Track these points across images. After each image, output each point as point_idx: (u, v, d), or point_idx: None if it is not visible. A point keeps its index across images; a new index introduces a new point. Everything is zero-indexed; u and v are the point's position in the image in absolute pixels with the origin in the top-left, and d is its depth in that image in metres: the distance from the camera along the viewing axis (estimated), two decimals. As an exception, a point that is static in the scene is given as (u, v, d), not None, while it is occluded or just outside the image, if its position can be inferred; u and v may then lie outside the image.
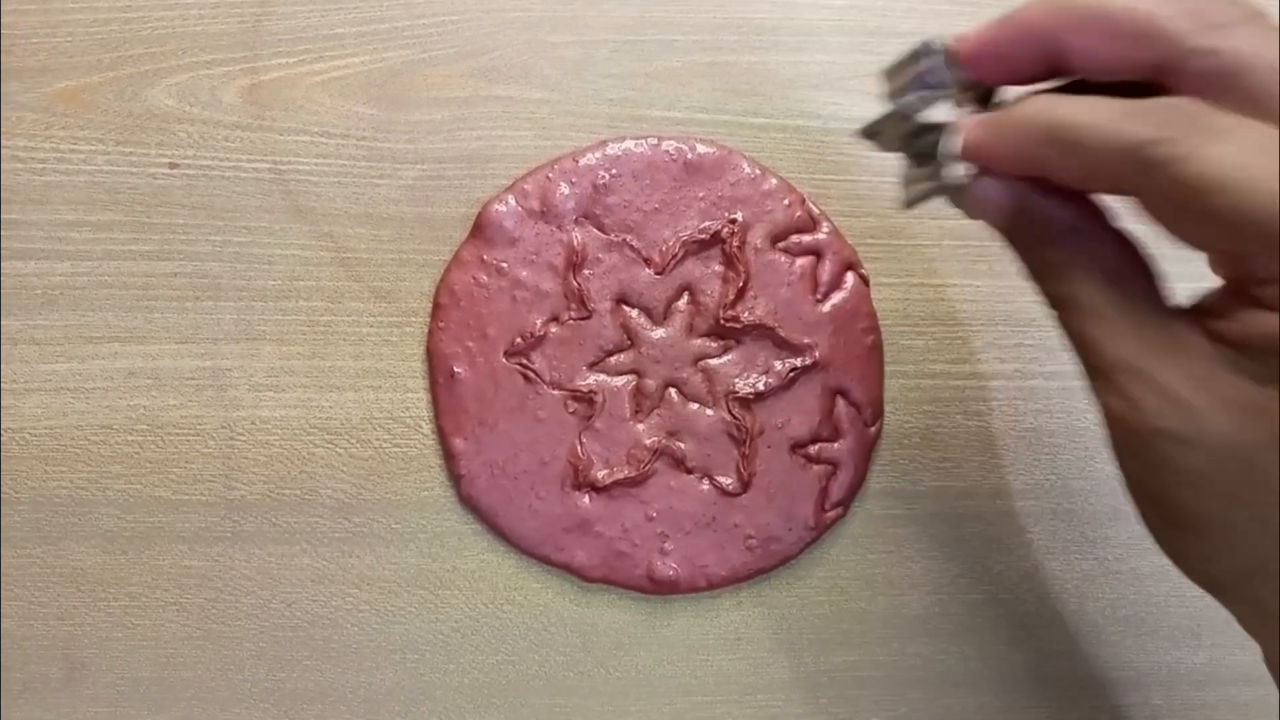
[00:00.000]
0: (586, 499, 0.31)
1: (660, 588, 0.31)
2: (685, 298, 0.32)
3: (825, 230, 0.32)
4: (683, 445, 0.31)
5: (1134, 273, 0.22)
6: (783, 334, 0.32)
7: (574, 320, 0.31)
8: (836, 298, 0.32)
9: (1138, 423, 0.21)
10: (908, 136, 0.24)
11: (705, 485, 0.31)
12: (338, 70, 0.32)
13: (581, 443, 0.31)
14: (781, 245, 0.32)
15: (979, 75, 0.23)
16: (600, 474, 0.31)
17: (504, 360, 0.31)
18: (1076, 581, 0.33)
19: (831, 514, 0.32)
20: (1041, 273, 0.23)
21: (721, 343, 0.32)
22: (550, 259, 0.31)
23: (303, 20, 0.32)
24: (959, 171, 0.23)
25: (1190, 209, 0.19)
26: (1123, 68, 0.21)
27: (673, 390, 0.32)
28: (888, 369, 0.32)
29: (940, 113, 0.23)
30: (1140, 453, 0.21)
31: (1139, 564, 0.33)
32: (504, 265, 0.31)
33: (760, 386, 0.31)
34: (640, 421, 0.31)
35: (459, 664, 0.31)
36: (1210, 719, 0.33)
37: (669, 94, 0.33)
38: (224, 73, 0.32)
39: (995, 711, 0.32)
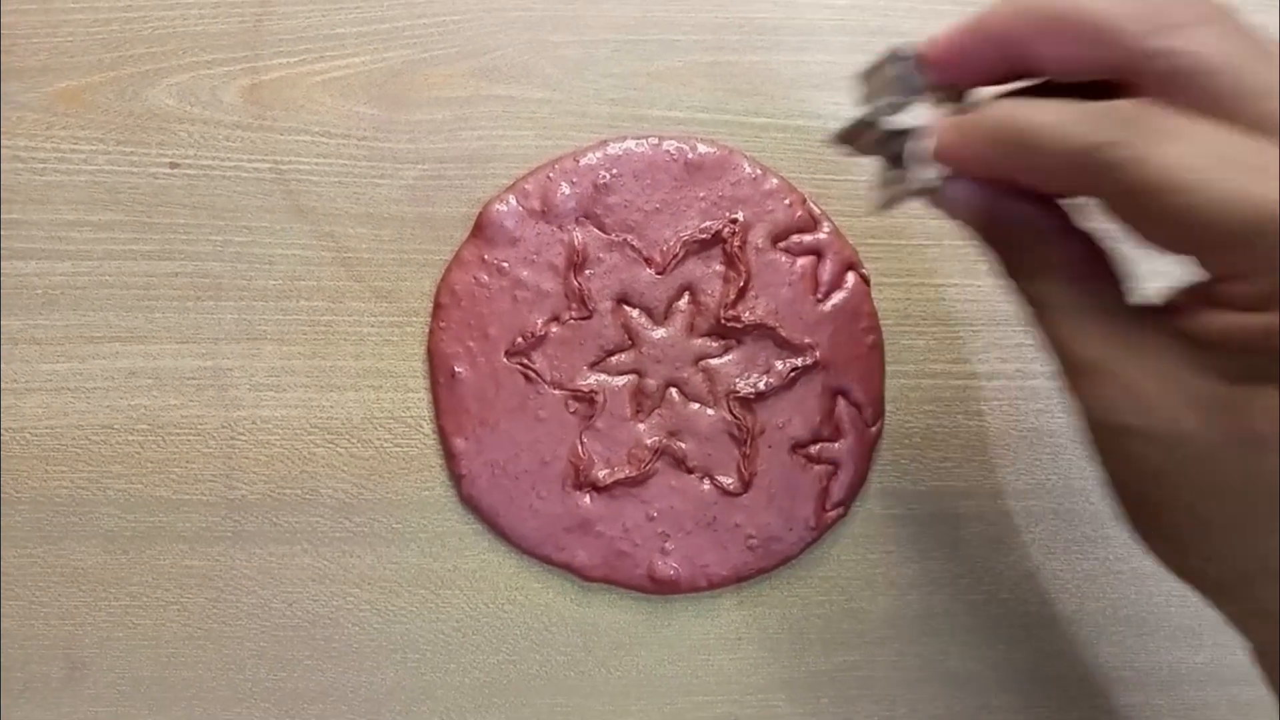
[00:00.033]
0: (587, 499, 0.31)
1: (661, 587, 0.31)
2: (686, 297, 0.32)
3: (826, 230, 0.32)
4: (684, 445, 0.31)
5: (1102, 273, 0.22)
6: (783, 334, 0.32)
7: (575, 320, 0.31)
8: (837, 297, 0.32)
9: (1107, 420, 0.21)
10: (881, 140, 0.24)
11: (706, 485, 0.31)
12: (338, 70, 0.32)
13: (582, 442, 0.31)
14: (782, 245, 0.32)
15: (948, 79, 0.24)
16: (601, 474, 0.31)
17: (505, 360, 0.31)
18: (1077, 581, 0.33)
19: (832, 514, 0.32)
20: (1013, 273, 0.23)
21: (722, 342, 0.32)
22: (551, 259, 0.31)
23: (303, 20, 0.32)
24: (931, 174, 0.23)
25: (1145, 210, 0.19)
26: (1084, 69, 0.22)
27: (674, 390, 0.32)
28: (889, 369, 0.32)
29: (911, 117, 0.24)
30: (1111, 450, 0.22)
31: (1139, 564, 0.33)
32: (505, 265, 0.31)
33: (761, 386, 0.31)
34: (641, 421, 0.32)
35: (460, 664, 0.31)
36: (1211, 719, 0.33)
37: (670, 94, 0.33)
38: (225, 72, 0.32)
39: (996, 711, 0.32)
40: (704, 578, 0.31)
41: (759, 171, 0.32)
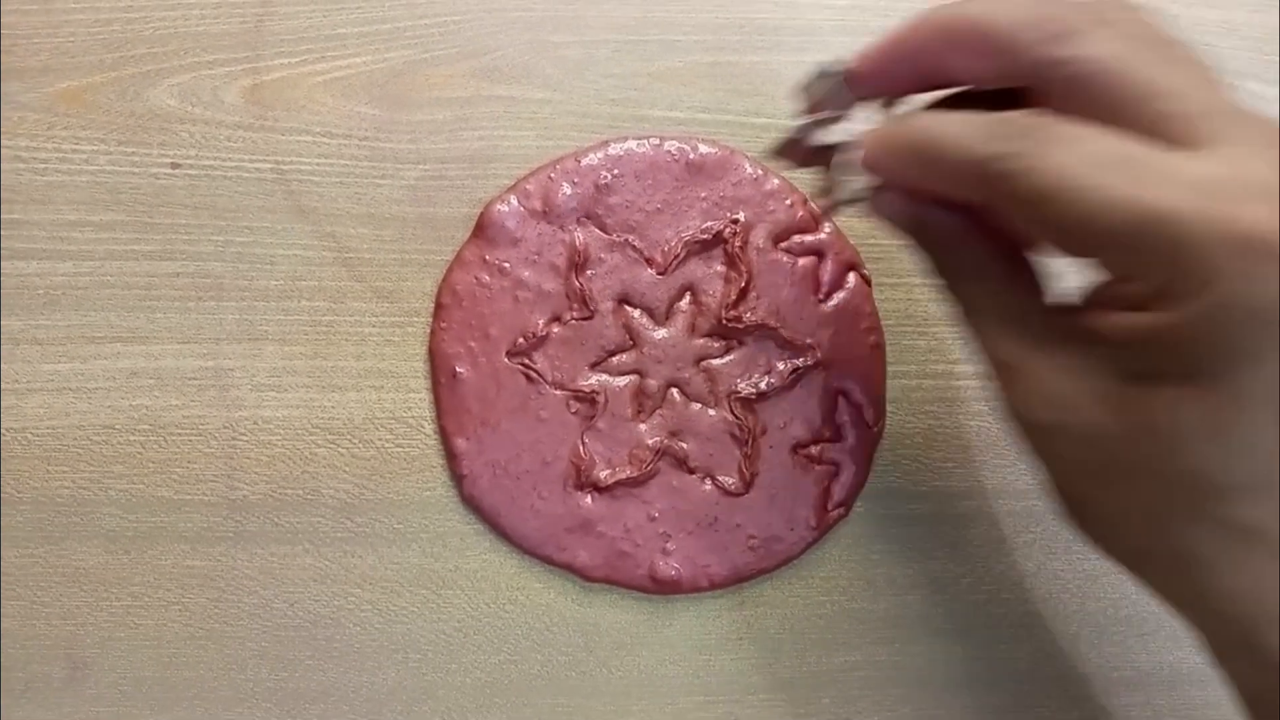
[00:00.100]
0: (589, 499, 0.31)
1: (662, 588, 0.31)
2: (687, 298, 0.32)
3: (827, 230, 0.32)
4: (685, 445, 0.31)
5: (1022, 276, 0.23)
6: (785, 334, 0.32)
7: (576, 320, 0.31)
8: (838, 298, 0.32)
9: (1028, 417, 0.22)
10: (815, 152, 0.26)
11: (707, 485, 0.31)
12: (340, 70, 0.32)
13: (584, 443, 0.31)
14: (784, 245, 0.32)
15: (874, 93, 0.25)
16: (602, 474, 0.31)
17: (506, 360, 0.31)
18: (1078, 581, 0.33)
19: (834, 514, 0.32)
20: (939, 277, 0.24)
21: (723, 343, 0.32)
22: (552, 259, 0.31)
23: (305, 20, 0.32)
24: (860, 185, 0.24)
25: (1042, 217, 0.20)
26: (993, 79, 0.22)
27: (675, 390, 0.32)
28: (890, 369, 0.32)
29: (842, 130, 0.25)
30: (1037, 445, 0.23)
31: (1141, 564, 0.33)
32: (506, 265, 0.31)
33: (762, 386, 0.31)
34: (642, 421, 0.32)
35: (461, 664, 0.31)
36: (1212, 719, 0.33)
37: (671, 94, 0.33)
38: (226, 73, 0.32)
39: (997, 711, 0.32)
40: (705, 578, 0.31)
41: (760, 172, 0.32)
